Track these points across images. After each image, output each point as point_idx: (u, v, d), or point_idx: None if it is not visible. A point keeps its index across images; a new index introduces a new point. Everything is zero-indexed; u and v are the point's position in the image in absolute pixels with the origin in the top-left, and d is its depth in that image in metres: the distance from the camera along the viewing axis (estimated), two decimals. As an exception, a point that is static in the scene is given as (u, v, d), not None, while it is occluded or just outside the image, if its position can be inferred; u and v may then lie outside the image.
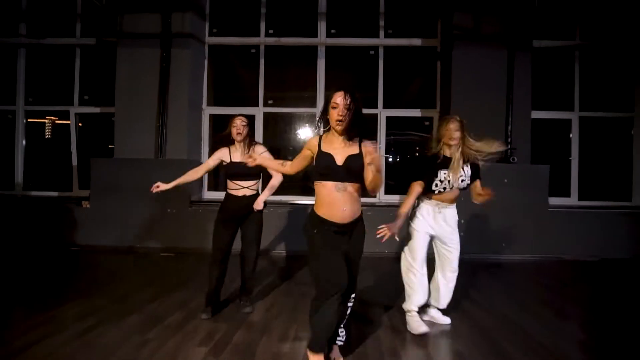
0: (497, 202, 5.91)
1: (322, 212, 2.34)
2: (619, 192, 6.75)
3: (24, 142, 7.10)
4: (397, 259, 3.39)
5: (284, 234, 6.18)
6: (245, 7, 6.91)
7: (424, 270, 3.21)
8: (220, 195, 6.65)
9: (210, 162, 3.57)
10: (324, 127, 2.42)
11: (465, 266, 5.41)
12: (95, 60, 6.99)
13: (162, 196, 6.00)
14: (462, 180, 3.11)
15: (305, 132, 7.03)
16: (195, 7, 6.47)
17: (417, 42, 6.80)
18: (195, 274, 4.80)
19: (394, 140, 6.93)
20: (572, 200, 6.66)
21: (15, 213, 6.46)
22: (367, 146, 2.30)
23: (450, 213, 3.23)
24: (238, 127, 3.46)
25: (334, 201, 2.30)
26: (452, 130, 3.12)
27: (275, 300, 3.86)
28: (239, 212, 3.47)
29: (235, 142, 3.51)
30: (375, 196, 2.21)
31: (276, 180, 3.49)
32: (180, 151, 6.35)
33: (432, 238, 3.25)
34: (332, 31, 6.85)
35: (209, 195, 6.80)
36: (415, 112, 6.81)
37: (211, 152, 6.83)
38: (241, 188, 3.47)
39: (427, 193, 3.17)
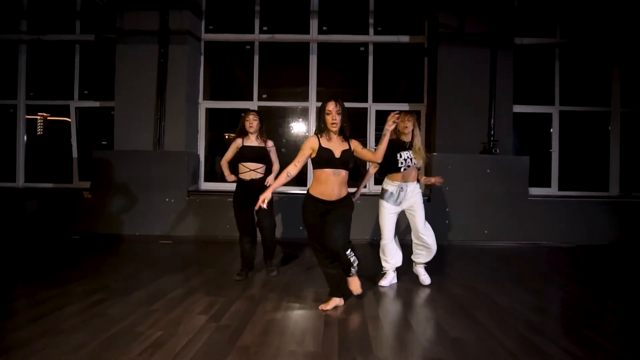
0: (480, 192, 6.31)
1: (318, 191, 3.11)
2: (596, 183, 7.10)
3: (25, 136, 7.33)
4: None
5: (283, 222, 6.45)
6: (240, 5, 7.18)
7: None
8: (216, 186, 6.99)
9: (229, 154, 4.17)
10: (320, 130, 3.12)
11: (450, 251, 5.78)
12: (94, 56, 7.24)
13: (161, 186, 6.35)
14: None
15: (298, 126, 7.31)
16: (192, 5, 6.72)
17: (405, 39, 7.09)
18: (193, 258, 5.10)
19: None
20: (553, 190, 6.99)
21: (18, 204, 6.71)
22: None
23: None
24: (250, 121, 4.09)
25: (330, 183, 3.08)
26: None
27: (269, 279, 4.15)
28: (251, 196, 3.87)
29: (249, 134, 4.10)
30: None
31: (276, 169, 4.24)
32: (178, 143, 6.61)
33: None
34: (324, 28, 7.14)
35: (205, 185, 7.07)
36: (404, 106, 7.10)
37: (208, 144, 7.19)
38: (249, 170, 4.05)
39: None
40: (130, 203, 6.37)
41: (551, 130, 7.07)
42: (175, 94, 6.64)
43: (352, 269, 3.24)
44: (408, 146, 3.87)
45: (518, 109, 6.78)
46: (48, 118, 7.44)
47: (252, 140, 4.11)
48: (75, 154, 7.16)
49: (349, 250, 3.19)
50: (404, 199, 3.88)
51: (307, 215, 3.17)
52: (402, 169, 3.84)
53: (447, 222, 6.28)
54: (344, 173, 3.11)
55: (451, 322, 2.96)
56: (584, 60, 7.20)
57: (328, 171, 3.07)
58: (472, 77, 6.56)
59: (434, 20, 6.75)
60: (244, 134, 4.12)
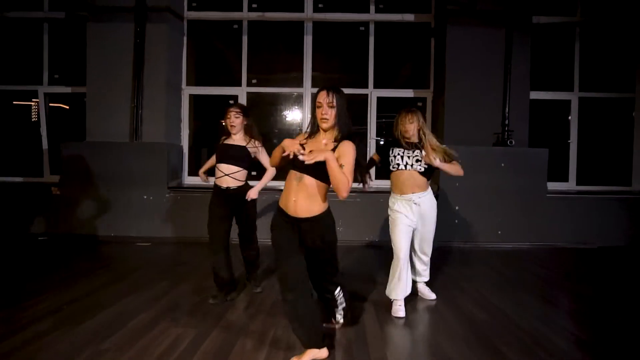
0: (493, 188, 5.68)
1: (281, 202, 2.40)
2: (618, 176, 6.48)
3: (-9, 124, 6.65)
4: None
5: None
6: (226, -21, 6.44)
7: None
8: (201, 181, 6.32)
9: (213, 158, 3.66)
10: (312, 127, 2.43)
11: (461, 255, 5.19)
12: (65, 36, 6.51)
13: (139, 182, 5.70)
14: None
15: (291, 114, 6.64)
16: (171, -22, 5.99)
17: (409, 17, 6.39)
18: (170, 267, 4.47)
19: (385, 125, 6.55)
20: (570, 185, 6.39)
21: (-19, 200, 6.03)
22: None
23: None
24: (231, 119, 3.41)
25: (289, 189, 2.33)
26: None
27: (253, 298, 3.54)
28: (228, 207, 3.37)
29: (231, 134, 3.46)
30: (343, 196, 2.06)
31: (268, 174, 3.51)
32: (158, 134, 5.95)
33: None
34: (320, 5, 6.42)
35: (189, 180, 6.42)
36: (408, 93, 6.44)
37: (192, 135, 6.53)
38: (223, 175, 3.35)
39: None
40: (104, 201, 5.71)
41: (569, 118, 6.43)
42: (155, 78, 5.94)
43: (338, 315, 2.65)
44: (412, 146, 3.24)
45: (534, 95, 6.12)
46: (35, 102, 6.72)
47: (234, 140, 3.46)
48: (45, 145, 6.48)
49: (338, 288, 2.59)
50: (418, 213, 3.24)
51: (272, 235, 2.41)
52: (395, 169, 3.25)
53: (456, 221, 5.66)
54: (308, 180, 2.27)
55: (477, 365, 2.37)
56: (606, 42, 6.50)
57: (290, 173, 2.35)
58: (484, 60, 5.88)
59: (442, -4, 6.04)
60: (227, 133, 3.50)
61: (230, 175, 3.35)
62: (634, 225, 5.88)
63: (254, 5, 6.43)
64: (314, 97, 2.38)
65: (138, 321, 2.90)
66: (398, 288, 3.16)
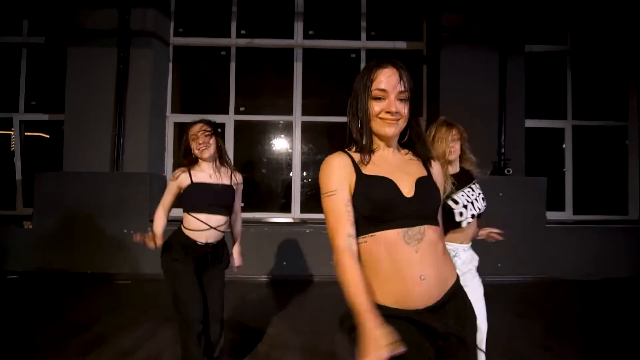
0: (491, 219, 5.46)
1: (381, 295, 1.24)
2: (614, 205, 6.37)
3: (-39, 153, 6.24)
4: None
5: (263, 256, 5.47)
6: (214, 5, 6.28)
7: None
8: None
9: (167, 198, 2.56)
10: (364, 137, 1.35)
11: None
12: (44, 62, 6.22)
13: (119, 214, 5.34)
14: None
15: (280, 143, 6.41)
16: (158, 3, 5.80)
17: (401, 45, 6.30)
18: (152, 306, 4.09)
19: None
20: (567, 214, 6.23)
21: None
22: None
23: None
24: (199, 138, 2.43)
25: (399, 263, 1.23)
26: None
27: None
28: (200, 262, 2.49)
29: (200, 161, 2.52)
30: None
31: (240, 221, 2.76)
32: (140, 163, 5.62)
33: None
34: (310, 32, 6.30)
35: (173, 212, 6.04)
36: (401, 121, 6.28)
37: (176, 165, 6.20)
38: (207, 229, 2.42)
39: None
40: (80, 235, 5.31)
41: (564, 146, 6.34)
42: (138, 105, 5.67)
43: None
44: (459, 180, 2.33)
45: (528, 123, 6.01)
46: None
47: (208, 174, 2.50)
48: (19, 176, 6.10)
49: None
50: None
51: None
52: (463, 224, 2.29)
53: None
54: (432, 233, 1.28)
55: None
56: (598, 70, 6.51)
57: (388, 235, 1.24)
58: (478, 88, 5.77)
59: (434, 23, 5.97)
60: (192, 161, 2.51)
61: (216, 229, 2.46)
62: (634, 255, 5.71)
63: (243, 32, 6.27)
64: (364, 77, 1.33)
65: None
66: None
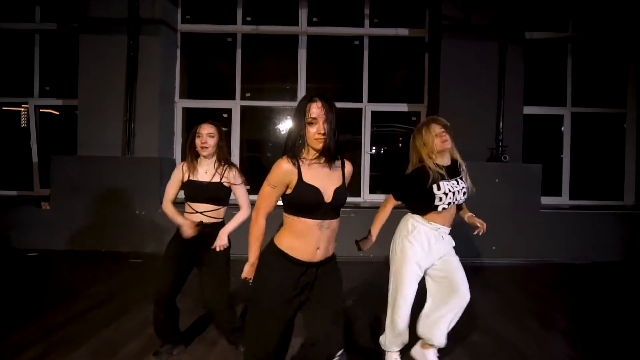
0: (488, 204, 5.67)
1: (289, 249, 1.86)
2: (610, 191, 6.53)
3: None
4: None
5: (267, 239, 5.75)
6: (220, -8, 6.43)
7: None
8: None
9: (170, 191, 2.82)
10: (294, 147, 1.84)
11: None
12: (57, 48, 6.44)
13: (131, 196, 5.63)
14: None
15: (285, 127, 6.61)
16: (165, -9, 5.96)
17: (404, 32, 6.41)
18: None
19: (377, 133, 6.55)
20: (564, 199, 6.41)
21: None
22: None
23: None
24: (203, 137, 2.73)
25: (309, 238, 1.85)
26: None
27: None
28: (191, 244, 2.68)
29: (200, 156, 2.78)
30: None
31: (243, 215, 2.82)
32: (151, 148, 5.88)
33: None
34: (314, 19, 6.42)
35: (182, 194, 6.32)
36: (402, 107, 6.45)
37: (184, 149, 6.44)
38: (194, 213, 2.72)
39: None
40: (95, 215, 5.62)
41: (562, 131, 6.47)
42: (148, 91, 5.88)
43: None
44: (450, 171, 2.61)
45: (527, 110, 6.14)
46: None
47: (205, 169, 2.78)
48: (35, 158, 6.39)
49: (341, 351, 1.86)
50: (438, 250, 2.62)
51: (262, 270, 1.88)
52: (439, 208, 2.57)
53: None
54: (335, 224, 1.89)
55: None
56: (598, 57, 6.59)
57: (307, 223, 1.82)
58: (478, 75, 5.90)
59: (436, 11, 6.07)
60: (194, 155, 2.79)
61: (205, 214, 2.74)
62: (627, 240, 5.90)
63: (248, 19, 6.42)
64: (301, 108, 1.79)
65: (131, 348, 2.84)
66: (397, 339, 2.68)
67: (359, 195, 6.40)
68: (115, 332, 3.13)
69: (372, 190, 6.38)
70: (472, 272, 5.10)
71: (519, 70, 5.92)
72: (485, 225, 2.69)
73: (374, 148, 6.61)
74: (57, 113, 6.59)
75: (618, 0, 6.25)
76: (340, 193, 1.85)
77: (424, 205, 2.58)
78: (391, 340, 2.69)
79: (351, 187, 5.76)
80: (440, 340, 2.55)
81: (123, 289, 4.20)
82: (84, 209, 5.63)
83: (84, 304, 3.73)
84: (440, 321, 2.54)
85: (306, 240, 1.82)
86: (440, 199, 2.52)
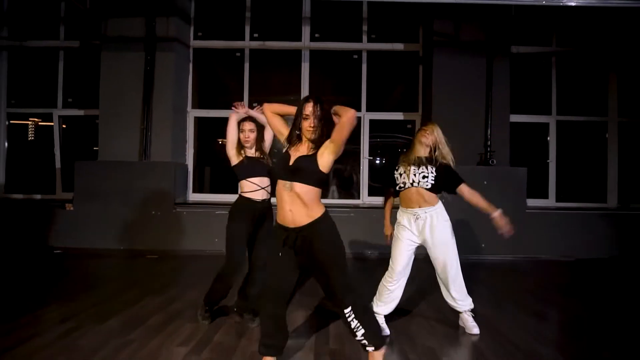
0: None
1: (278, 217, 2.34)
2: (594, 194, 6.95)
3: (6, 144, 7.07)
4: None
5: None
6: (230, 11, 6.98)
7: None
8: (205, 197, 6.76)
9: (231, 126, 3.23)
10: (292, 137, 2.39)
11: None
12: (79, 63, 7.00)
13: (148, 198, 6.11)
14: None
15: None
16: (179, 11, 6.51)
17: (399, 46, 6.93)
18: (179, 275, 4.88)
19: (380, 143, 7.05)
20: (550, 201, 6.84)
21: (-3, 216, 6.42)
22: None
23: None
24: (246, 133, 3.21)
25: (281, 201, 2.27)
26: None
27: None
28: (254, 219, 3.18)
29: (245, 148, 3.27)
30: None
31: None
32: (165, 154, 6.38)
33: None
34: (316, 35, 6.96)
35: (193, 197, 6.83)
36: (398, 116, 6.93)
37: (196, 154, 6.94)
38: (259, 189, 3.18)
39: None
40: (115, 216, 6.11)
41: (548, 139, 6.92)
42: (162, 102, 6.41)
43: (366, 345, 2.34)
44: (424, 160, 3.16)
45: (514, 118, 6.62)
46: (39, 123, 7.18)
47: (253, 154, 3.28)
48: (58, 164, 6.91)
49: (349, 309, 2.27)
50: (423, 228, 3.13)
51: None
52: (397, 187, 3.18)
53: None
54: (299, 188, 2.23)
55: None
56: (581, 70, 7.09)
57: (279, 184, 2.28)
58: (468, 86, 6.38)
59: (428, 28, 6.59)
60: (240, 146, 3.26)
61: (265, 189, 3.22)
62: (610, 238, 6.29)
63: (256, 35, 6.96)
64: (299, 107, 2.34)
65: (154, 320, 3.29)
66: (384, 303, 3.17)
67: (358, 197, 6.85)
68: (140, 309, 3.58)
69: (370, 193, 6.83)
70: (463, 268, 5.52)
71: (505, 81, 6.40)
72: (508, 228, 3.38)
73: (378, 159, 7.10)
74: (82, 113, 7.12)
75: (599, 17, 6.73)
76: (302, 160, 2.25)
77: (393, 187, 3.25)
78: (380, 303, 3.20)
79: (351, 189, 6.25)
80: (458, 306, 3.23)
81: (142, 279, 4.66)
82: (104, 210, 6.12)
83: (111, 288, 4.21)
84: (444, 294, 3.27)
85: (279, 202, 2.28)
86: (397, 179, 3.18)
